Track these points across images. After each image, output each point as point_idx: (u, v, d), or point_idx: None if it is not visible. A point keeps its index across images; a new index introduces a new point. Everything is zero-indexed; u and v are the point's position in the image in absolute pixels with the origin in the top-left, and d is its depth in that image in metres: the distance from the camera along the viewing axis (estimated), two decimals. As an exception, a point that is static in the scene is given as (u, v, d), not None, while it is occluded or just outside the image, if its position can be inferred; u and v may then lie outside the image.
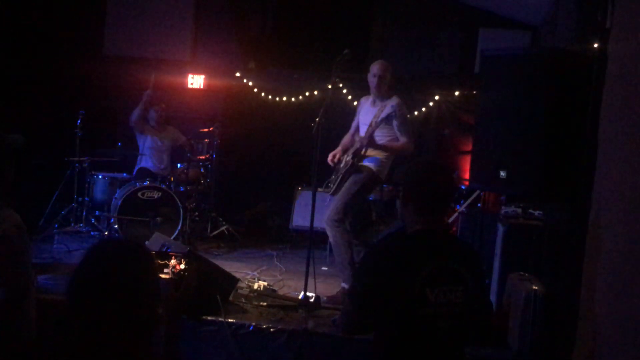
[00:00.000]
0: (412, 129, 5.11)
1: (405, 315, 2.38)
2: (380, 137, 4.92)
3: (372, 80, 5.00)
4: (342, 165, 5.04)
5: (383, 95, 5.03)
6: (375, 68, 5.02)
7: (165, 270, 4.10)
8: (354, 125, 5.31)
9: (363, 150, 4.93)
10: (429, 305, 2.36)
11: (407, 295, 2.35)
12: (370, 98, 5.14)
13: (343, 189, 4.92)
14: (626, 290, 2.23)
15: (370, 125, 4.90)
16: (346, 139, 5.28)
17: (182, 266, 4.16)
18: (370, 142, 4.86)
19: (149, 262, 1.75)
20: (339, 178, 4.99)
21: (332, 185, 5.07)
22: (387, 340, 2.44)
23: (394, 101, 4.91)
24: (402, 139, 4.92)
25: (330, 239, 4.93)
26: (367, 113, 5.10)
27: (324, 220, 4.89)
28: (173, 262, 4.17)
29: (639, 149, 2.23)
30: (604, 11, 2.95)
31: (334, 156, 5.11)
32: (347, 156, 5.02)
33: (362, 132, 5.08)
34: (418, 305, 2.36)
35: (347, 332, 2.64)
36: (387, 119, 4.78)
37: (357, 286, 2.55)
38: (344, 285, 4.79)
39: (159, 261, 4.12)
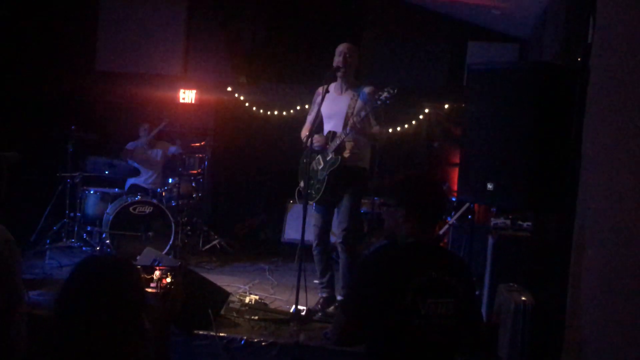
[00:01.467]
0: (386, 119, 4.95)
1: (396, 326, 2.40)
2: (359, 130, 4.68)
3: (337, 60, 4.73)
4: (320, 166, 4.84)
5: (350, 80, 4.81)
6: (343, 47, 4.77)
7: (152, 284, 4.12)
8: (310, 119, 4.92)
9: (345, 144, 4.72)
10: (420, 317, 2.39)
11: (399, 307, 2.38)
12: (331, 86, 4.85)
13: (343, 211, 4.78)
14: (610, 300, 2.26)
15: (353, 117, 4.66)
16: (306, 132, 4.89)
17: (169, 279, 4.18)
18: (358, 129, 4.64)
19: (135, 276, 1.78)
20: (324, 180, 4.79)
21: (313, 192, 4.84)
22: (378, 352, 2.47)
23: (369, 88, 4.74)
24: (377, 127, 4.77)
25: (341, 262, 4.85)
26: (334, 102, 4.83)
27: (337, 242, 4.82)
28: (159, 275, 4.19)
29: (620, 160, 2.27)
30: (586, 26, 3.01)
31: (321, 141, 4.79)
32: (327, 155, 4.81)
33: (331, 124, 4.84)
34: (409, 317, 2.38)
35: (339, 343, 2.66)
36: (369, 107, 4.60)
37: (349, 297, 2.57)
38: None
39: (146, 275, 4.13)
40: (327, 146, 4.79)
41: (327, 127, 4.91)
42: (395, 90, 4.48)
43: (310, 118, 4.96)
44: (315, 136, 4.78)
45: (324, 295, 4.96)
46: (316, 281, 5.08)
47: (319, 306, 4.88)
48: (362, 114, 4.63)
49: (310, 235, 4.99)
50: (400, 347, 2.42)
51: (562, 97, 3.41)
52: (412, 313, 2.38)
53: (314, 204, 4.94)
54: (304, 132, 4.95)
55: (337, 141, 4.73)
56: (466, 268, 2.72)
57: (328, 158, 4.80)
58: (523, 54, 7.55)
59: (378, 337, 2.45)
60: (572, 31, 3.93)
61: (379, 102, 4.54)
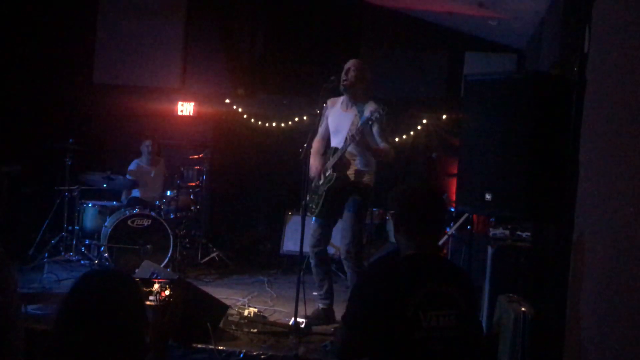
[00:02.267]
0: (392, 135, 4.94)
1: (398, 339, 2.39)
2: (359, 145, 4.65)
3: (344, 76, 4.71)
4: (320, 182, 4.84)
5: (357, 97, 4.78)
6: (349, 62, 4.76)
7: (151, 297, 4.10)
8: (321, 131, 4.98)
9: (350, 161, 4.72)
10: (422, 329, 2.38)
11: (401, 319, 2.37)
12: (339, 100, 4.86)
13: (345, 225, 4.75)
14: (610, 308, 2.25)
15: (350, 132, 4.64)
16: (317, 144, 4.96)
17: (167, 292, 4.17)
18: (357, 142, 4.59)
19: (135, 290, 1.77)
20: (323, 195, 4.79)
21: (313, 206, 4.83)
22: (380, 366, 2.45)
23: (372, 106, 4.67)
24: (383, 145, 4.72)
25: (349, 277, 4.84)
26: (340, 118, 4.83)
27: (342, 259, 4.81)
28: (158, 289, 4.18)
29: (618, 169, 2.27)
30: (583, 36, 3.02)
31: (317, 170, 4.84)
32: (327, 170, 4.80)
33: (336, 141, 4.85)
34: (411, 330, 2.37)
35: (341, 357, 2.65)
36: (368, 124, 4.57)
37: (351, 311, 2.56)
38: None
39: (144, 288, 4.12)
40: (327, 163, 4.83)
41: (334, 142, 4.94)
42: (384, 110, 4.52)
43: (320, 129, 5.00)
44: (312, 166, 4.83)
45: (323, 306, 4.95)
46: (315, 293, 5.07)
47: (316, 314, 4.87)
48: (357, 130, 4.62)
49: (309, 248, 4.98)
50: (403, 360, 2.40)
51: (559, 107, 3.42)
52: (414, 326, 2.37)
53: (314, 217, 4.95)
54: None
55: (336, 157, 4.74)
56: (467, 279, 2.71)
57: (327, 174, 4.82)
58: (521, 65, 7.58)
59: (380, 350, 2.43)
60: (569, 41, 3.94)
61: (370, 122, 4.59)
